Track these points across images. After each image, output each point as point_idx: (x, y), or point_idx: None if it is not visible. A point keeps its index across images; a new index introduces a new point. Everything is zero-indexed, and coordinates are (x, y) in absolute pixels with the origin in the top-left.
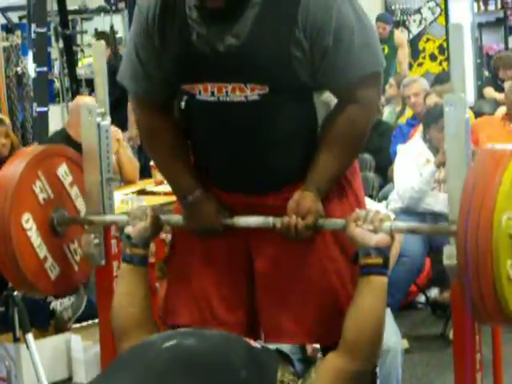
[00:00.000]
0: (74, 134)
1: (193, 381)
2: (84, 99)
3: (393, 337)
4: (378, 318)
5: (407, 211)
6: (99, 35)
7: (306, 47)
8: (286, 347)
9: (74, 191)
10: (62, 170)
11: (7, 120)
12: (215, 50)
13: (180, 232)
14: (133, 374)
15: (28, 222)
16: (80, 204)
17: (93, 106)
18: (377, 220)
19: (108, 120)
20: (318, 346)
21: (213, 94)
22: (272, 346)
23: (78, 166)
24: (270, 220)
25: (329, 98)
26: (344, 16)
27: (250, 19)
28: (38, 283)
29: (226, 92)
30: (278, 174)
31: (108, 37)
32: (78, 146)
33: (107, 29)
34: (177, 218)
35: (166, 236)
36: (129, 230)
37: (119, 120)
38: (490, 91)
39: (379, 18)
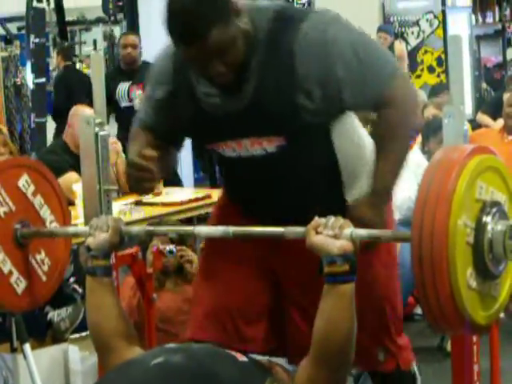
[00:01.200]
0: (71, 144)
1: None
2: (81, 109)
3: None
4: (348, 327)
5: (406, 223)
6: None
7: (316, 94)
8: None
9: (38, 200)
10: (23, 181)
11: (5, 129)
12: (227, 113)
13: (208, 247)
14: None
15: None
16: (45, 213)
17: (91, 116)
18: (337, 227)
19: (106, 130)
20: None
21: (234, 150)
22: (263, 357)
23: (40, 175)
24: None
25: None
26: (342, 44)
27: (254, 78)
28: (4, 300)
29: (246, 147)
30: (304, 207)
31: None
32: (77, 157)
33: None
34: (138, 229)
35: (163, 247)
36: (89, 241)
37: None
38: (484, 118)
39: (381, 29)
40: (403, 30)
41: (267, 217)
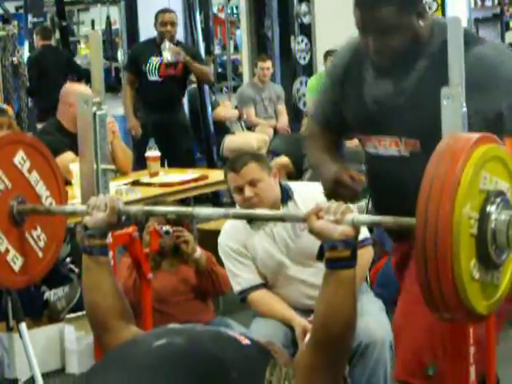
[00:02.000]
0: (69, 123)
1: (181, 379)
2: (73, 87)
3: (379, 329)
4: (348, 313)
5: None
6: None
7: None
8: (279, 338)
9: (34, 176)
10: (19, 157)
11: (10, 111)
12: (381, 107)
13: None
14: (122, 371)
15: None
16: (40, 189)
17: (89, 95)
18: (339, 212)
19: (104, 109)
20: None
21: (375, 147)
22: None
23: (36, 150)
24: None
25: None
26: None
27: (415, 80)
28: (1, 278)
29: (385, 146)
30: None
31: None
32: (71, 135)
33: (103, 20)
34: (136, 209)
35: (160, 227)
36: (86, 220)
37: None
38: None
39: None
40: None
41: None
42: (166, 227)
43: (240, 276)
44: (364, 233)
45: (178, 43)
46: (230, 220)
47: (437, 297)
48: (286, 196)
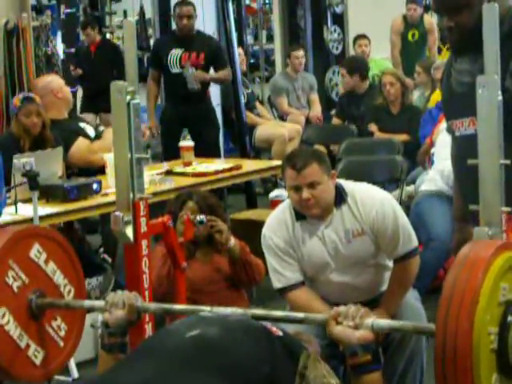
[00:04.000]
0: (55, 113)
1: (214, 374)
2: (43, 78)
3: (415, 319)
4: None
5: (439, 195)
6: None
7: None
8: (313, 333)
9: (51, 267)
10: (35, 250)
11: (38, 99)
12: (464, 88)
13: None
14: (155, 361)
15: (4, 317)
16: (58, 278)
17: (123, 85)
18: (357, 317)
19: (138, 99)
20: None
21: (459, 129)
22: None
23: (50, 240)
24: None
25: None
26: None
27: (479, 65)
28: (22, 373)
29: (465, 126)
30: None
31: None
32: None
33: (136, 10)
34: (154, 307)
35: (194, 216)
36: (106, 317)
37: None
38: None
39: (410, 1)
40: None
41: None
42: (201, 216)
43: (283, 274)
44: (414, 242)
45: (197, 33)
46: (277, 212)
47: None
48: (340, 199)
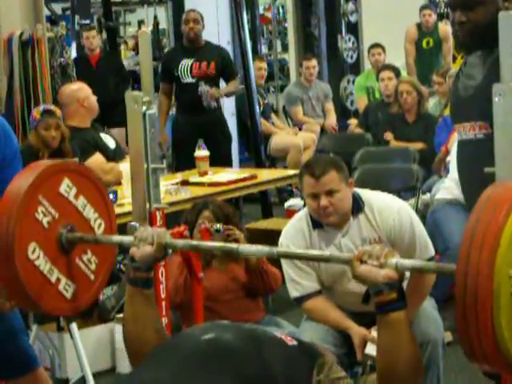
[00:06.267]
0: (77, 122)
1: (227, 378)
2: (69, 87)
3: (432, 328)
4: (408, 354)
5: (455, 203)
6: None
7: None
8: (330, 341)
9: (81, 201)
10: (65, 185)
11: (58, 112)
12: (467, 92)
13: None
14: (170, 364)
15: (34, 252)
16: (88, 212)
17: (138, 95)
18: (382, 256)
19: (153, 109)
20: (368, 351)
21: (460, 133)
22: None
23: (80, 175)
24: None
25: None
26: None
27: (487, 66)
28: (55, 308)
29: (466, 131)
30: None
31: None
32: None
33: (150, 20)
34: (183, 243)
35: (210, 226)
36: (133, 251)
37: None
38: None
39: (424, 7)
40: (449, 10)
41: None
42: (217, 225)
43: (300, 283)
44: (430, 251)
45: (206, 43)
46: (294, 220)
47: (477, 352)
48: (357, 207)
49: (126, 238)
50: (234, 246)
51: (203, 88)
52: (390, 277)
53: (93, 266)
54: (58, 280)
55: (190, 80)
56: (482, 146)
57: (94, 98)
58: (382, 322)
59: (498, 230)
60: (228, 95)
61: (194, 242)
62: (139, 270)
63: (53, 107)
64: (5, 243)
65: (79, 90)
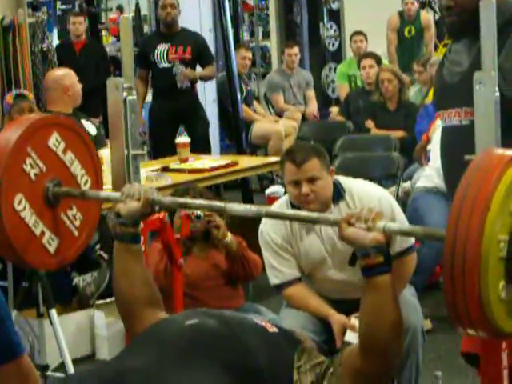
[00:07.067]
0: (62, 107)
1: (213, 362)
2: (55, 72)
3: (412, 315)
4: (391, 319)
5: (436, 191)
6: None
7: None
8: (310, 329)
9: (68, 156)
10: (54, 139)
11: (30, 95)
12: (452, 78)
13: None
14: (154, 350)
15: (20, 204)
16: (75, 168)
17: (119, 81)
18: (369, 219)
19: (134, 95)
20: (348, 339)
21: (445, 120)
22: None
23: (70, 130)
24: None
25: None
26: None
27: (473, 53)
28: (37, 261)
29: (451, 117)
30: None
31: None
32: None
33: (132, 7)
34: (169, 200)
35: (191, 213)
36: (120, 207)
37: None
38: None
39: None
40: None
41: None
42: (197, 212)
43: (280, 270)
44: (409, 240)
45: (182, 29)
46: (274, 207)
47: (463, 315)
48: (338, 195)
49: (113, 194)
50: (221, 204)
51: (178, 68)
52: (377, 240)
53: (77, 223)
54: (43, 233)
55: (166, 65)
56: (468, 132)
57: (79, 87)
58: (368, 285)
59: (488, 195)
60: (203, 79)
61: (181, 200)
62: (125, 225)
63: (26, 92)
64: None
65: (64, 77)
